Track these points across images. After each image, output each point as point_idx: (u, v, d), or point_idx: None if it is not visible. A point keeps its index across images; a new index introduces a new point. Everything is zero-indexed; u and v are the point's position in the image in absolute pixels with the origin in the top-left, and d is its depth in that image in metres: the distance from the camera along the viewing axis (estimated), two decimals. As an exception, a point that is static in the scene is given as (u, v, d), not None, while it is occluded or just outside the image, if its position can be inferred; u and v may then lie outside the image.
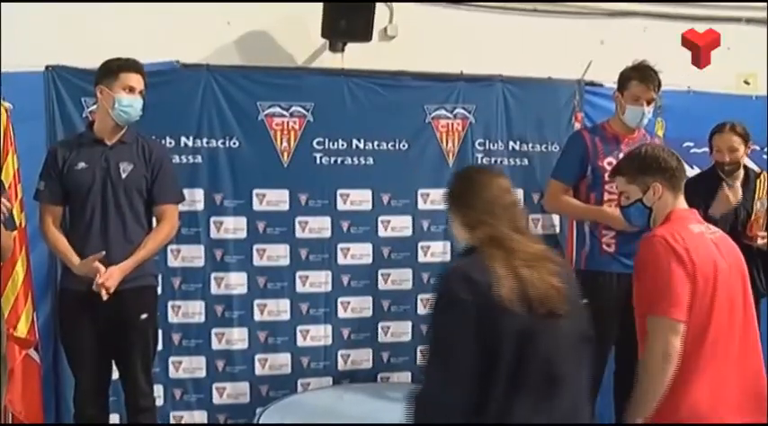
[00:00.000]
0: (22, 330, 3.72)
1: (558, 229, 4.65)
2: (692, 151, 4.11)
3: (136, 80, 3.38)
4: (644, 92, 3.77)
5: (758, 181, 4.07)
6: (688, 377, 2.49)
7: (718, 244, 2.65)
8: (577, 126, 4.58)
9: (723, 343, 2.55)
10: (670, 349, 2.46)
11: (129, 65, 3.39)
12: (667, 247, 2.53)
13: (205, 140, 4.31)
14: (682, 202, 2.72)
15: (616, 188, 2.87)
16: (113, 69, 3.38)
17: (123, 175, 3.35)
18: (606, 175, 3.53)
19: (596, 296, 3.27)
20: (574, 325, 2.25)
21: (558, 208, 4.11)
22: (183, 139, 4.28)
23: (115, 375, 3.52)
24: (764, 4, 4.75)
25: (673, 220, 2.65)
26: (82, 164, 3.34)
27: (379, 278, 4.53)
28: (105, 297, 3.23)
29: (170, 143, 4.22)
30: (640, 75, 3.77)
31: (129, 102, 3.34)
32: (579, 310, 2.30)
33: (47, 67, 4.06)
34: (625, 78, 3.80)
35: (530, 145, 4.66)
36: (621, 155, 3.46)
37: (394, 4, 4.71)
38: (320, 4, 4.37)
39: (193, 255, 4.30)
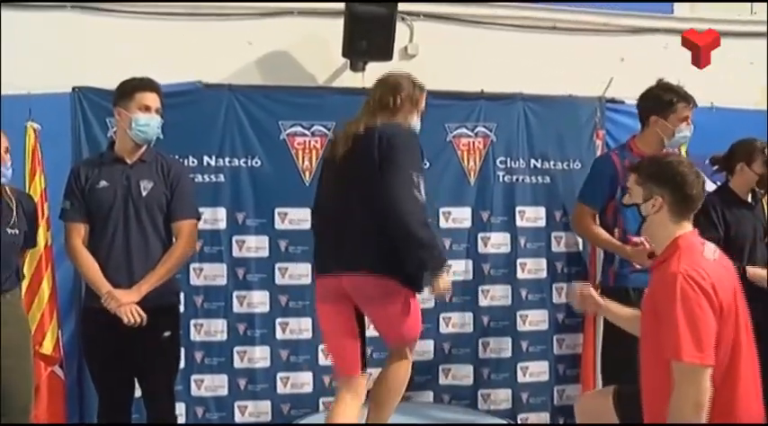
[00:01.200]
0: (47, 347, 3.80)
1: (581, 247, 4.66)
2: (716, 168, 4.05)
3: (151, 99, 3.41)
4: (689, 111, 3.76)
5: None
6: (726, 405, 2.49)
7: (723, 263, 2.62)
8: (598, 143, 4.61)
9: (748, 358, 2.58)
10: (702, 397, 2.40)
11: (144, 84, 3.42)
12: (695, 287, 2.43)
13: (227, 159, 4.37)
14: (685, 227, 2.60)
15: (628, 189, 2.79)
16: (128, 90, 3.41)
17: (144, 193, 3.39)
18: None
19: None
20: None
21: (584, 234, 4.07)
22: (206, 159, 4.34)
23: (138, 393, 3.54)
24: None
25: (685, 249, 2.54)
26: (103, 183, 3.39)
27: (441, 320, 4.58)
28: (132, 321, 3.27)
29: (193, 162, 4.28)
30: (683, 96, 3.74)
31: (145, 121, 3.38)
32: None
33: (73, 89, 4.17)
34: (667, 102, 3.72)
35: (551, 162, 4.67)
36: None
37: (414, 23, 4.76)
38: (341, 24, 4.43)
39: (216, 274, 4.34)
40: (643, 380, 2.62)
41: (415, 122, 3.41)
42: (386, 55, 4.45)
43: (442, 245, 3.39)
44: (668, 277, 2.48)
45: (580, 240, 4.61)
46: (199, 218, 3.61)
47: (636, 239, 3.48)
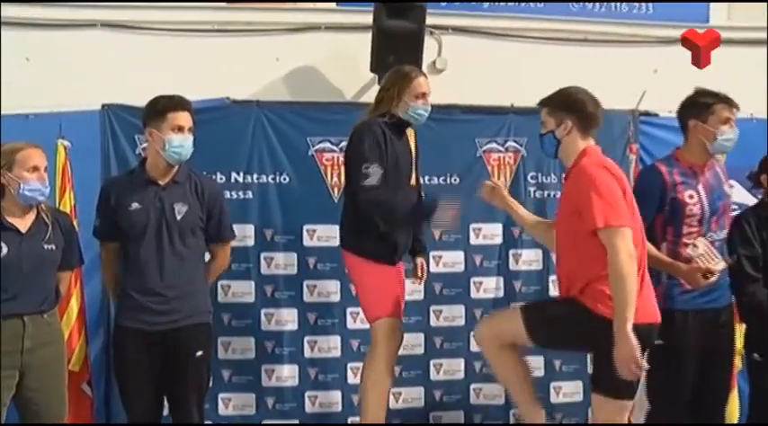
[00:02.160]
0: (75, 364, 3.83)
1: None
2: (752, 184, 3.95)
3: (184, 119, 3.36)
4: (731, 112, 3.57)
5: None
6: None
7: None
8: (632, 157, 4.57)
9: (644, 265, 3.06)
10: (632, 249, 2.90)
11: (176, 103, 3.37)
12: (604, 170, 3.01)
13: (255, 176, 4.42)
14: (590, 142, 3.16)
15: (542, 122, 3.19)
16: (160, 109, 3.35)
17: (178, 217, 3.35)
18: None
19: (673, 336, 3.25)
20: None
21: None
22: (234, 175, 4.38)
23: (166, 410, 3.52)
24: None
25: (591, 153, 3.11)
26: (135, 205, 3.34)
27: (431, 314, 4.56)
28: None
29: (221, 178, 4.32)
30: (721, 98, 3.60)
31: (179, 142, 3.33)
32: None
33: (103, 106, 4.25)
34: (704, 104, 3.57)
35: None
36: (701, 187, 3.43)
37: (443, 37, 4.79)
38: (369, 39, 4.49)
39: (244, 291, 4.38)
40: (561, 274, 3.11)
41: (412, 106, 3.59)
42: None
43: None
44: (580, 170, 3.05)
45: None
46: (234, 238, 3.63)
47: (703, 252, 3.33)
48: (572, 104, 3.16)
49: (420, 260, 3.99)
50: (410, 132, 3.77)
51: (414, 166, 3.74)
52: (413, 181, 3.74)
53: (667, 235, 3.48)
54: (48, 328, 3.31)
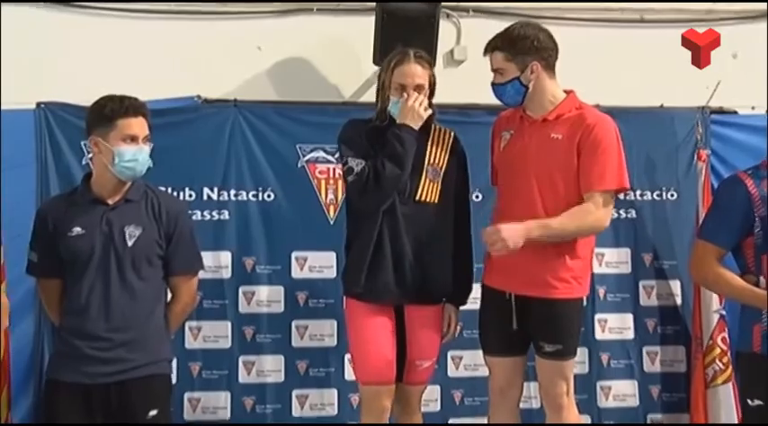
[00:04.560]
0: (-6, 419, 3.71)
1: (679, 300, 4.57)
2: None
3: (138, 126, 3.25)
4: None
5: None
6: None
7: None
8: (701, 166, 4.51)
9: None
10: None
11: (127, 108, 3.26)
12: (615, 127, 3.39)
13: (233, 192, 4.36)
14: (557, 81, 3.45)
15: (497, 69, 3.38)
16: (107, 115, 3.23)
17: (130, 242, 3.25)
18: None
19: None
20: None
21: (711, 281, 3.70)
22: (206, 191, 4.33)
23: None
24: None
25: (586, 104, 3.45)
26: (77, 230, 3.25)
27: (449, 361, 4.49)
28: None
29: (190, 196, 4.27)
30: None
31: (132, 154, 3.23)
32: None
33: (38, 104, 4.16)
34: None
35: (637, 192, 4.60)
36: None
37: (462, 21, 4.73)
38: (371, 23, 4.40)
39: (217, 334, 4.30)
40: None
41: (392, 101, 3.47)
42: None
43: None
44: (605, 120, 3.37)
45: (678, 291, 4.53)
46: (201, 269, 3.54)
47: None
48: (534, 44, 3.35)
49: (450, 310, 3.58)
50: (438, 133, 3.58)
51: (428, 175, 3.52)
52: (424, 195, 3.53)
53: (762, 264, 3.31)
54: None
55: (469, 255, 3.55)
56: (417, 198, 3.46)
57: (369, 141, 3.44)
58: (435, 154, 3.53)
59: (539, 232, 3.21)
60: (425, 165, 3.50)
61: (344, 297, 3.49)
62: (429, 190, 3.49)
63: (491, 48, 3.40)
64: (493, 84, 3.41)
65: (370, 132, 3.46)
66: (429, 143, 3.53)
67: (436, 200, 3.48)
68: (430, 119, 3.50)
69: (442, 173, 3.51)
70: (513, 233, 3.17)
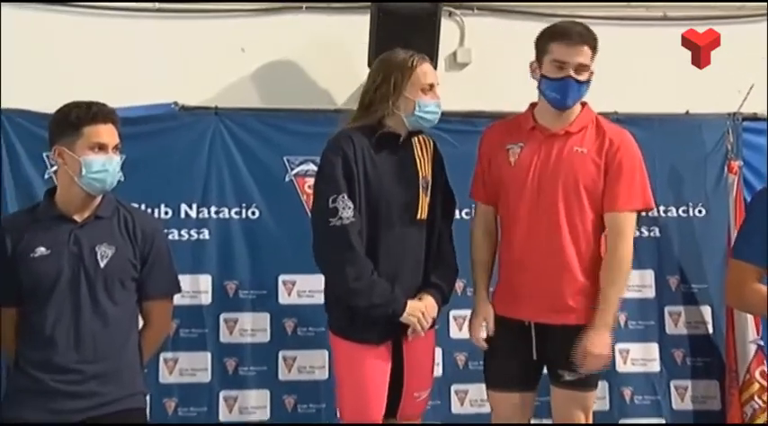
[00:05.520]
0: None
1: (710, 328, 4.52)
2: None
3: (107, 134, 3.20)
4: None
5: None
6: None
7: None
8: (733, 179, 4.51)
9: None
10: None
11: (95, 114, 3.20)
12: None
13: (213, 209, 4.35)
14: None
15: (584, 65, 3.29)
16: (73, 122, 3.19)
17: (102, 263, 3.20)
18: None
19: None
20: None
21: (749, 304, 3.76)
22: (184, 208, 4.32)
23: None
24: None
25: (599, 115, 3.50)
26: (41, 250, 3.18)
27: (453, 396, 4.47)
28: None
29: (166, 213, 4.26)
30: None
31: (101, 164, 3.17)
32: None
33: (-5, 111, 4.13)
34: None
35: (661, 208, 4.58)
36: None
37: (466, 20, 4.72)
38: (366, 22, 4.38)
39: (195, 366, 4.27)
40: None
41: (419, 103, 3.41)
42: None
43: (374, 283, 3.31)
44: (628, 135, 3.40)
45: (709, 318, 4.50)
46: (178, 292, 3.48)
47: None
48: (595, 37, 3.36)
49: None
50: (422, 142, 3.53)
51: (423, 191, 3.48)
52: (421, 214, 3.48)
53: None
54: None
55: (451, 263, 3.49)
56: (418, 217, 3.41)
57: (373, 150, 3.36)
58: (423, 165, 3.50)
59: (613, 317, 3.29)
60: (420, 179, 3.46)
61: (330, 331, 3.41)
62: (423, 207, 3.46)
63: (582, 39, 3.30)
64: (568, 78, 3.29)
65: (380, 140, 3.38)
66: (416, 154, 3.49)
67: (426, 216, 3.46)
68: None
69: (429, 186, 3.48)
70: (602, 344, 3.22)
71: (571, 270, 3.30)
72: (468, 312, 3.55)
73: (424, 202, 3.45)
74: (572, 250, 3.30)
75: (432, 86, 3.45)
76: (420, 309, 3.33)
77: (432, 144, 3.54)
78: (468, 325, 3.42)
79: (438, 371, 4.33)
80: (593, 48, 3.29)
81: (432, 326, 3.42)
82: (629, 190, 3.31)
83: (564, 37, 3.25)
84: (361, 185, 3.37)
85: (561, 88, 3.30)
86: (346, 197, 3.34)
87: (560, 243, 3.29)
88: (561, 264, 3.27)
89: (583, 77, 3.28)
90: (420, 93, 3.40)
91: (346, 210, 3.33)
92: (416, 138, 3.48)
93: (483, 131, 3.50)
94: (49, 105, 3.41)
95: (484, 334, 3.38)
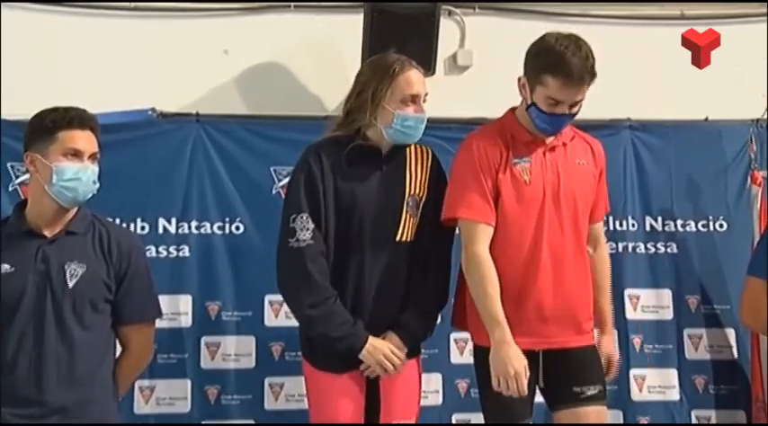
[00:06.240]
0: None
1: (735, 352, 4.47)
2: None
3: (84, 140, 3.16)
4: None
5: None
6: None
7: None
8: (756, 190, 4.51)
9: None
10: None
11: (71, 118, 3.17)
12: None
13: (194, 224, 4.35)
14: None
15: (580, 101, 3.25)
16: (48, 127, 3.16)
17: (71, 282, 3.15)
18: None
19: None
20: None
21: (766, 324, 3.81)
22: (163, 222, 4.32)
23: None
24: None
25: None
26: (5, 267, 3.13)
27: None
28: None
29: (142, 228, 4.25)
30: None
31: (73, 172, 3.13)
32: None
33: (-48, 118, 4.15)
34: None
35: (679, 222, 4.57)
36: None
37: (467, 20, 4.71)
38: (359, 23, 4.37)
39: (174, 395, 4.24)
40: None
41: (397, 116, 3.32)
42: (425, 67, 4.06)
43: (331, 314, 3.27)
44: (599, 142, 3.49)
45: (734, 342, 4.46)
46: (160, 316, 3.43)
47: None
48: None
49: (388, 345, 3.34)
50: (417, 155, 3.46)
51: (410, 209, 3.41)
52: (404, 236, 3.40)
53: None
54: None
55: (431, 300, 3.38)
56: (398, 239, 3.33)
57: (347, 163, 3.30)
58: (415, 182, 3.41)
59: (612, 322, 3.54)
60: (406, 198, 3.39)
61: (303, 359, 3.36)
62: (408, 228, 3.39)
63: (582, 80, 3.23)
64: (565, 115, 3.25)
65: (355, 153, 3.31)
66: (408, 169, 3.41)
67: (413, 239, 3.36)
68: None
69: (421, 205, 3.39)
70: (615, 349, 3.54)
71: (589, 288, 3.32)
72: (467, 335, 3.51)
73: (409, 223, 3.37)
74: (587, 266, 3.32)
75: (415, 98, 3.33)
76: (383, 352, 3.24)
77: (430, 156, 3.44)
78: (506, 373, 3.15)
79: (438, 399, 4.37)
80: (592, 81, 3.25)
81: (413, 356, 3.33)
82: (606, 197, 3.48)
83: (563, 75, 3.15)
84: (328, 204, 3.33)
85: (553, 122, 3.24)
86: (305, 217, 3.32)
87: (582, 261, 3.29)
88: (584, 283, 3.27)
89: (575, 110, 3.26)
90: (400, 105, 3.30)
91: (304, 232, 3.31)
92: (410, 150, 3.39)
93: (470, 143, 3.30)
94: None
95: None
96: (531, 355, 3.21)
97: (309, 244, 3.28)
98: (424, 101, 3.38)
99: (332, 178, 3.33)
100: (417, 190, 3.40)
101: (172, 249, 4.27)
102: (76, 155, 3.13)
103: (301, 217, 3.31)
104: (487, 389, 3.24)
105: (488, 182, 3.30)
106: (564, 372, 3.26)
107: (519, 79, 3.26)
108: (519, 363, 3.11)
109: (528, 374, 3.16)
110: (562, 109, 3.19)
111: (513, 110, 3.41)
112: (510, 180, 3.27)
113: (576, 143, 3.38)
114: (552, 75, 3.13)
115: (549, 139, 3.30)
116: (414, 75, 3.37)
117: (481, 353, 3.22)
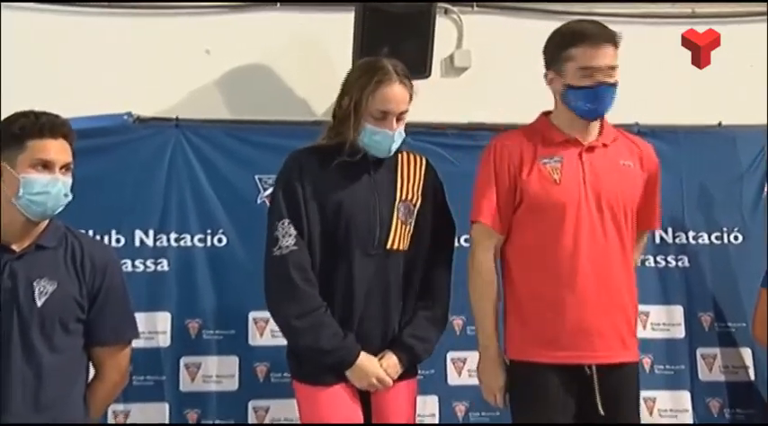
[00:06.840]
0: None
1: (752, 373, 4.44)
2: None
3: (56, 150, 3.13)
4: None
5: None
6: None
7: None
8: None
9: None
10: None
11: (42, 125, 3.13)
12: None
13: (173, 236, 4.35)
14: None
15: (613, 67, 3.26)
16: (16, 134, 3.13)
17: (40, 301, 3.11)
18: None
19: None
20: None
21: None
22: (140, 235, 4.32)
23: None
24: None
25: None
26: None
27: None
28: None
29: (117, 241, 4.25)
30: None
31: (42, 185, 3.09)
32: None
33: None
34: None
35: (690, 234, 4.58)
36: None
37: (464, 19, 4.71)
38: (350, 21, 4.37)
39: (151, 420, 4.22)
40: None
41: (366, 129, 3.33)
42: (420, 69, 4.33)
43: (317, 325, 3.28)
44: (651, 146, 3.48)
45: (750, 362, 4.44)
46: (136, 337, 3.39)
47: None
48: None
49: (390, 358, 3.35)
50: (410, 161, 3.47)
51: (402, 216, 3.42)
52: (395, 244, 3.40)
53: None
54: None
55: (436, 313, 3.37)
56: (389, 246, 3.33)
57: (334, 169, 3.31)
58: (407, 187, 3.43)
59: None
60: (396, 203, 3.40)
61: (292, 379, 3.34)
62: (401, 235, 3.39)
63: (607, 39, 3.26)
64: (601, 85, 3.24)
65: (338, 168, 3.32)
66: (399, 174, 3.43)
67: (406, 247, 3.37)
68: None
69: (415, 212, 3.39)
70: None
71: (635, 297, 3.30)
72: (469, 354, 3.48)
73: (401, 230, 3.37)
74: (633, 275, 3.30)
75: (385, 114, 3.33)
76: (375, 372, 3.24)
77: (424, 163, 3.45)
78: (485, 380, 3.27)
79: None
80: (617, 47, 3.25)
81: (409, 376, 3.33)
82: (656, 208, 3.44)
83: (587, 39, 3.19)
84: (310, 209, 3.34)
85: (595, 97, 3.22)
86: (287, 223, 3.34)
87: (628, 269, 3.28)
88: (630, 291, 3.24)
89: (614, 80, 3.23)
90: (371, 118, 3.33)
91: (287, 238, 3.32)
92: (402, 156, 3.41)
93: (492, 144, 3.32)
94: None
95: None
96: (575, 375, 3.15)
97: (293, 250, 3.29)
98: (400, 119, 3.34)
99: (314, 182, 3.35)
100: (410, 196, 3.40)
101: (149, 263, 4.27)
102: (47, 166, 3.11)
103: (283, 224, 3.32)
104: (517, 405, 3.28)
105: (502, 185, 3.31)
106: (614, 398, 3.19)
107: (545, 75, 3.31)
108: (488, 377, 3.24)
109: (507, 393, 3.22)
110: (597, 77, 3.19)
111: (546, 113, 3.38)
112: (537, 179, 3.26)
113: (621, 144, 3.35)
114: (575, 45, 3.18)
115: (591, 138, 3.28)
116: (392, 92, 3.36)
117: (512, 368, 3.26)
